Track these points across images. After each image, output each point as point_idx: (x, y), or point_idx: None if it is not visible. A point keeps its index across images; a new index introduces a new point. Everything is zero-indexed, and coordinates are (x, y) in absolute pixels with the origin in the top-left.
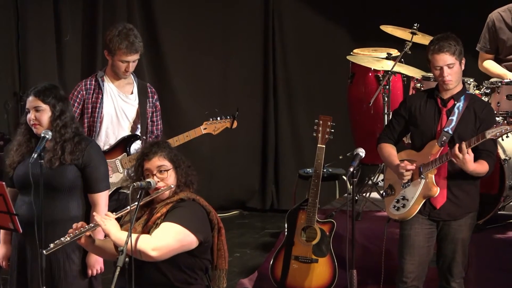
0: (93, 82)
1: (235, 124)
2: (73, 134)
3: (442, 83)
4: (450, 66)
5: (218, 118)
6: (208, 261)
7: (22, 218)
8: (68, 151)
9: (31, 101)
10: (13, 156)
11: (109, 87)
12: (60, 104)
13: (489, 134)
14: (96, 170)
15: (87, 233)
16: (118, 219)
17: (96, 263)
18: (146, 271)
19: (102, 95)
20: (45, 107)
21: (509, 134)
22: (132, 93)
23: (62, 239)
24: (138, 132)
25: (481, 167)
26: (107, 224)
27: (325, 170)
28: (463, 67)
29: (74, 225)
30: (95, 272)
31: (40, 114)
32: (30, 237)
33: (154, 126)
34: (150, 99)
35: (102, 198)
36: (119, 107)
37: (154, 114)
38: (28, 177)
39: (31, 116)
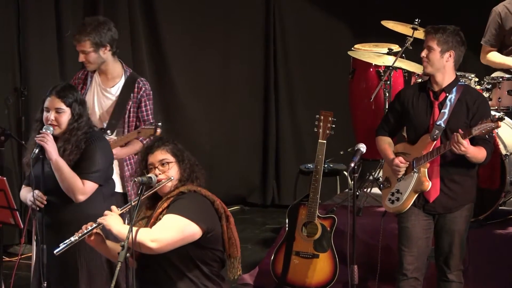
0: (83, 72)
1: (158, 132)
2: (81, 136)
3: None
4: (429, 48)
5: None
6: (220, 252)
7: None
8: (67, 153)
9: (51, 101)
10: (30, 154)
11: (95, 80)
12: (80, 107)
13: (475, 131)
14: (89, 159)
15: (95, 231)
16: (123, 216)
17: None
18: (160, 266)
19: (87, 88)
20: (66, 109)
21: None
22: (114, 86)
23: (72, 238)
24: (105, 125)
25: (480, 152)
26: (108, 219)
27: (326, 165)
28: (448, 59)
29: (84, 226)
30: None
31: (60, 116)
32: (50, 237)
33: (139, 121)
34: (135, 94)
35: (85, 187)
36: (98, 100)
37: (139, 110)
38: (40, 177)
39: (50, 116)
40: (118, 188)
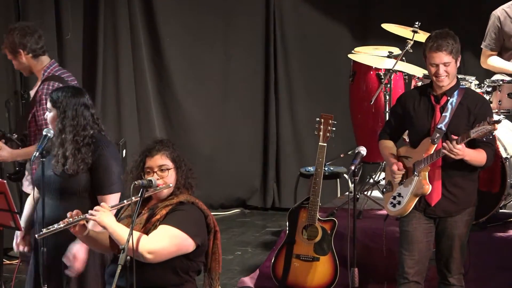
0: None
1: None
2: (81, 143)
3: (436, 80)
4: (446, 64)
5: None
6: (202, 263)
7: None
8: (70, 161)
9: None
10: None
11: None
12: (70, 108)
13: (473, 134)
14: (106, 171)
15: (81, 222)
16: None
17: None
18: (142, 272)
19: None
20: (53, 110)
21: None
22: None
23: (56, 225)
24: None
25: (479, 155)
26: (101, 216)
27: (326, 168)
28: (458, 64)
29: (69, 214)
30: (72, 265)
31: (49, 116)
32: (47, 239)
33: (36, 125)
34: (36, 98)
35: (110, 201)
36: None
37: (37, 114)
38: (38, 177)
39: (45, 115)
40: (28, 189)
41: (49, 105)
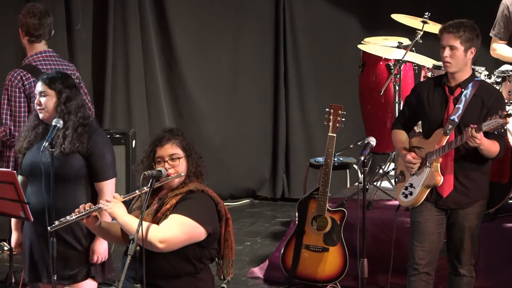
0: None
1: None
2: (77, 123)
3: (442, 63)
4: (451, 48)
5: None
6: (215, 251)
7: (31, 206)
8: (68, 140)
9: (38, 86)
10: (21, 142)
11: None
12: (67, 91)
13: (485, 127)
14: (101, 158)
15: (93, 214)
16: (126, 204)
17: (101, 248)
18: (154, 261)
19: None
20: (51, 93)
21: None
22: None
23: (68, 217)
24: None
25: (493, 145)
26: (113, 207)
27: (336, 159)
28: (470, 56)
29: (81, 206)
30: (99, 260)
31: (46, 100)
32: (38, 226)
33: None
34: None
35: (107, 187)
36: None
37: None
38: (35, 165)
39: (36, 101)
40: None
41: (44, 88)
